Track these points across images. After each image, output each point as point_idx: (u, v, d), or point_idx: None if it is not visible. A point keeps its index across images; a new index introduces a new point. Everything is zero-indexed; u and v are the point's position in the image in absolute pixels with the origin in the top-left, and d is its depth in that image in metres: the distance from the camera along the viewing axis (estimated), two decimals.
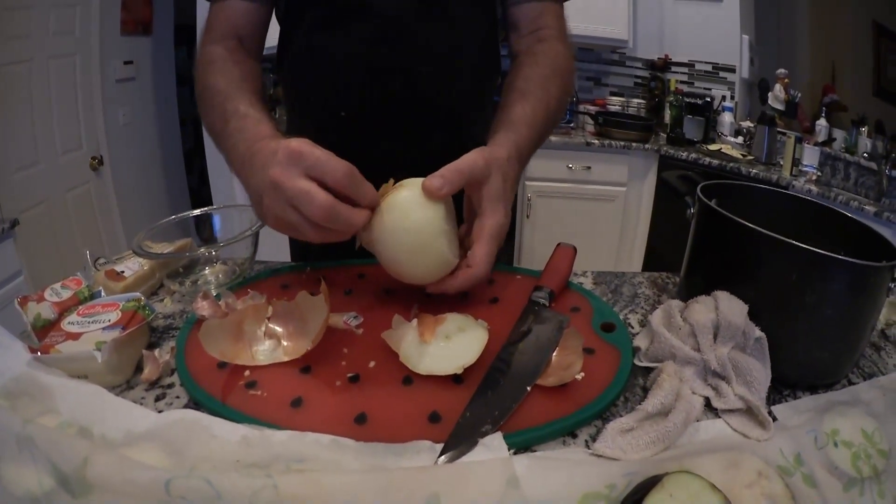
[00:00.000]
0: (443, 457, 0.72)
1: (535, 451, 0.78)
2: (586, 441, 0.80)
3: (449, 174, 0.99)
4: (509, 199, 1.08)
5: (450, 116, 1.39)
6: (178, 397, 0.88)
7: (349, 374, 0.90)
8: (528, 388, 0.85)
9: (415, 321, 0.96)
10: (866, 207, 3.28)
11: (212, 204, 4.07)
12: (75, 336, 0.94)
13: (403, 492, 0.64)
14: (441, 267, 1.01)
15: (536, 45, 1.43)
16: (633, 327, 1.11)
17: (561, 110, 1.37)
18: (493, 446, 0.74)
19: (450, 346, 0.91)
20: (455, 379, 0.88)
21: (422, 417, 0.80)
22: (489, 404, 0.82)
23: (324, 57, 1.37)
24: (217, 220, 1.32)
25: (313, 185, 0.89)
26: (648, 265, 4.68)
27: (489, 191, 1.04)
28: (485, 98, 1.54)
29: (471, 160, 1.02)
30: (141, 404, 0.85)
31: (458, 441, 0.75)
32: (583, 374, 0.89)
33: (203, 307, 1.01)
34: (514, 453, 0.74)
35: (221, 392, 0.86)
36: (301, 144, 0.91)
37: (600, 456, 0.75)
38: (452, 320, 0.96)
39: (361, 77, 1.37)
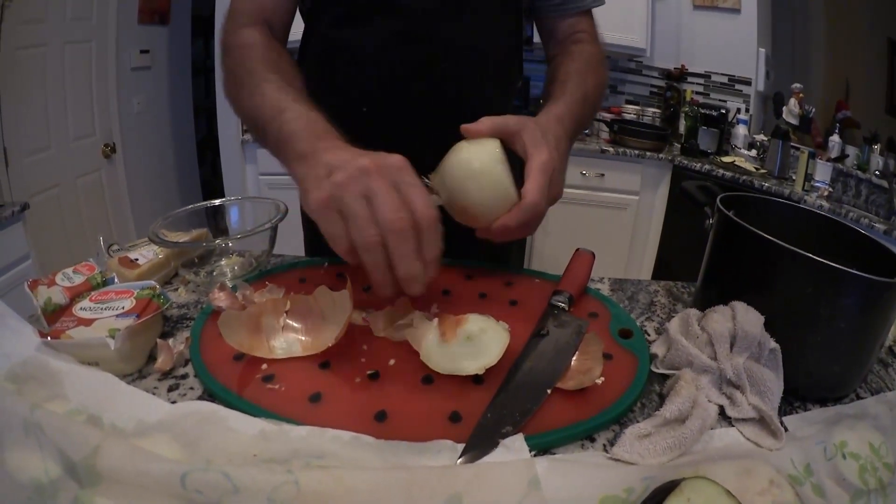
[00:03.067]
0: (464, 457, 0.72)
1: (553, 453, 0.78)
2: (604, 445, 0.80)
3: (483, 120, 1.06)
4: (556, 154, 1.08)
5: (470, 117, 1.40)
6: (191, 388, 0.87)
7: (369, 371, 0.89)
8: (549, 391, 0.85)
9: (436, 320, 0.95)
10: (876, 225, 3.27)
11: (223, 196, 4.09)
12: (87, 322, 0.93)
13: (426, 491, 0.64)
14: (504, 197, 1.01)
15: (572, 46, 1.49)
16: (649, 335, 1.11)
17: (599, 96, 1.41)
18: (514, 447, 0.74)
19: (471, 347, 0.89)
20: (475, 379, 0.88)
21: (442, 417, 0.80)
22: (510, 406, 0.82)
23: (348, 52, 1.36)
24: (234, 212, 1.31)
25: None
26: (658, 275, 4.65)
27: (528, 136, 1.06)
28: (506, 100, 1.55)
29: (501, 116, 1.08)
30: (153, 394, 0.84)
31: (480, 441, 0.75)
32: (603, 378, 0.89)
33: (220, 298, 1.00)
34: (534, 455, 0.74)
35: (238, 385, 0.85)
36: (405, 161, 0.89)
37: (618, 460, 0.75)
38: (474, 321, 0.94)
39: (385, 73, 1.36)
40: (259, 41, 1.25)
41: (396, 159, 0.88)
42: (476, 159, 1.01)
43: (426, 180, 1.02)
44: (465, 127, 1.05)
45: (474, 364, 0.87)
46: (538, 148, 1.05)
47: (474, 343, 0.90)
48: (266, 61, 1.19)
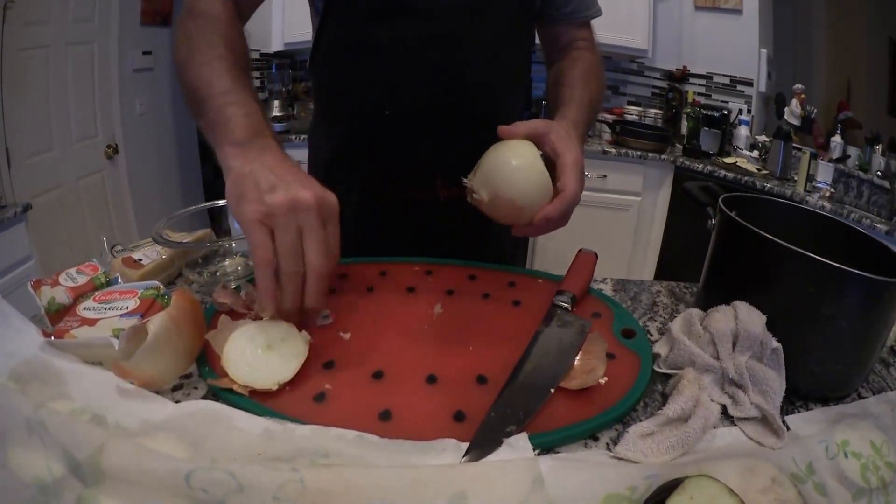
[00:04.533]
0: (468, 455, 0.72)
1: (557, 452, 0.78)
2: (607, 444, 0.80)
3: (517, 123, 1.08)
4: (579, 153, 1.12)
5: (486, 118, 1.40)
6: (195, 388, 0.88)
7: (373, 371, 0.89)
8: (552, 391, 0.86)
9: (241, 323, 0.94)
10: (878, 226, 3.27)
11: (225, 197, 4.09)
12: (91, 322, 0.93)
13: (430, 488, 0.64)
14: (546, 189, 1.03)
15: (573, 52, 1.52)
16: (651, 335, 1.11)
17: (600, 100, 1.45)
18: (518, 446, 0.74)
19: (269, 358, 0.88)
20: (479, 379, 0.88)
21: (446, 416, 0.81)
22: (513, 405, 0.82)
23: (368, 49, 1.35)
24: None
25: None
26: (660, 276, 4.64)
27: (556, 137, 1.08)
28: (515, 101, 1.57)
29: (531, 121, 1.10)
30: (157, 394, 0.83)
31: (484, 440, 0.75)
32: (606, 378, 0.89)
33: (223, 296, 1.00)
34: (538, 454, 0.74)
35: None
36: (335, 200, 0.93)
37: (622, 459, 0.75)
38: (276, 328, 0.93)
39: (410, 75, 1.36)
40: (225, 15, 1.20)
41: (332, 197, 0.92)
42: (521, 156, 1.02)
43: (465, 181, 1.06)
44: (501, 129, 1.07)
45: (269, 379, 0.85)
46: (567, 147, 1.08)
47: (273, 353, 0.89)
48: (227, 38, 1.15)
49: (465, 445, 0.74)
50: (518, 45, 1.49)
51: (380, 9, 1.31)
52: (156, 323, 0.83)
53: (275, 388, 0.84)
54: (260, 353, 0.88)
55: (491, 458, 0.72)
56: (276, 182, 0.90)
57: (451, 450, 0.73)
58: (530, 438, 0.75)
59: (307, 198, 0.88)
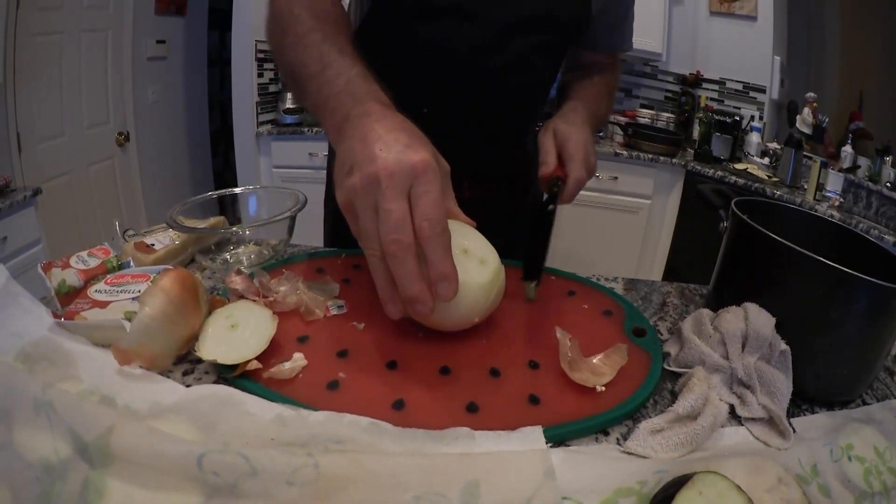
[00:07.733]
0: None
1: (568, 445, 0.78)
2: (617, 439, 0.81)
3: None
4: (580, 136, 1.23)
5: (514, 122, 1.41)
6: (206, 373, 0.87)
7: (387, 361, 0.90)
8: None
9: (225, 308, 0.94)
10: (886, 237, 3.26)
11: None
12: (103, 304, 0.93)
13: (445, 476, 0.64)
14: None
15: (592, 70, 1.58)
16: (661, 334, 1.12)
17: (606, 116, 1.57)
18: (531, 438, 0.74)
19: (234, 335, 0.88)
20: (492, 372, 0.89)
21: (459, 407, 0.80)
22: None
23: (417, 49, 1.36)
24: (252, 201, 1.31)
25: (409, 213, 0.79)
26: (667, 279, 4.62)
27: (559, 129, 1.24)
28: (541, 108, 1.60)
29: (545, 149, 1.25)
30: (168, 378, 0.83)
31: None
32: (603, 388, 0.87)
33: (236, 282, 1.00)
34: (550, 447, 0.73)
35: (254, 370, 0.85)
36: (428, 164, 0.81)
37: (632, 454, 0.76)
38: (245, 309, 0.93)
39: (451, 76, 1.37)
40: None
41: (416, 162, 0.80)
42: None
43: None
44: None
45: (232, 354, 0.84)
46: (568, 134, 1.23)
47: (238, 331, 0.88)
48: (314, 10, 1.12)
49: (478, 434, 0.73)
50: (555, 60, 1.50)
51: (433, 7, 1.31)
52: (147, 295, 0.83)
53: (240, 361, 0.83)
54: (225, 331, 0.88)
55: (504, 448, 0.72)
56: (355, 162, 0.83)
57: (464, 438, 0.73)
58: (543, 431, 0.75)
59: (375, 170, 0.79)
